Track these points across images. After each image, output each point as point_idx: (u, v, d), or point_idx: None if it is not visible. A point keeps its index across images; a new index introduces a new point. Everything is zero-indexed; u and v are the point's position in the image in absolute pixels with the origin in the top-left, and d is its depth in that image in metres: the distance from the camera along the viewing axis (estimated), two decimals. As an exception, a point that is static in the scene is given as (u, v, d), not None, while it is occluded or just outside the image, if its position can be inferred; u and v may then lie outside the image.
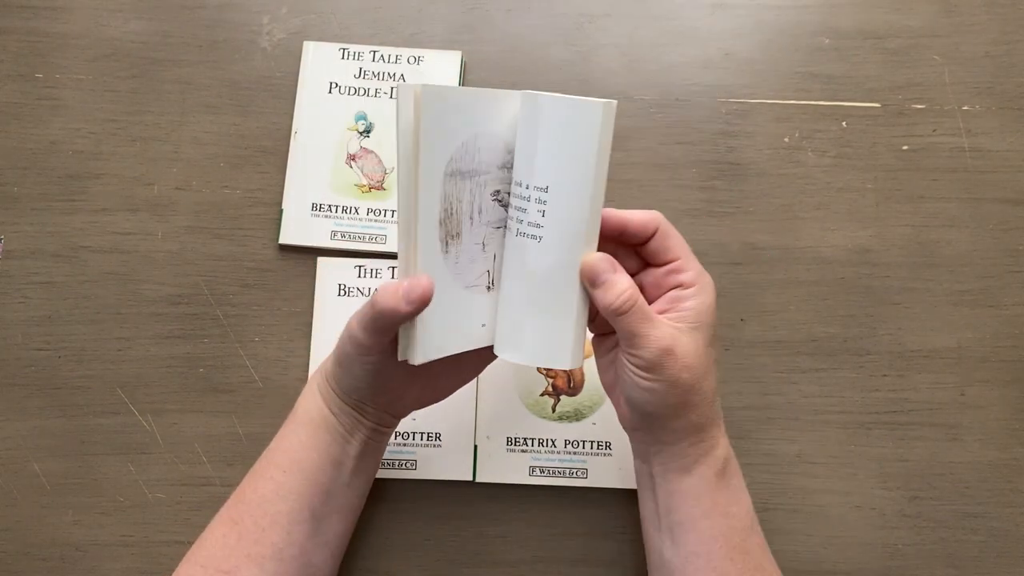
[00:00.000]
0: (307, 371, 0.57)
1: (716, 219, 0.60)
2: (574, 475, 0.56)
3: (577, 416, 0.57)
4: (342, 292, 0.58)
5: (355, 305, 0.57)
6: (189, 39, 0.62)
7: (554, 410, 0.57)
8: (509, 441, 0.56)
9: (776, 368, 0.58)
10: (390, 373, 0.46)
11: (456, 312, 0.44)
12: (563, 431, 0.56)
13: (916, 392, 0.57)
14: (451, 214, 0.42)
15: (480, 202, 0.43)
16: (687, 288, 0.44)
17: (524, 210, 0.42)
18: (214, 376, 0.58)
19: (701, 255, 0.59)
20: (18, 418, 0.57)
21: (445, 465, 0.56)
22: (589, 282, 0.43)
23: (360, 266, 0.58)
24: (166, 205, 0.60)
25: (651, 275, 0.46)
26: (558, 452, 0.56)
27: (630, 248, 0.46)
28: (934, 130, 0.61)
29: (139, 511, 0.56)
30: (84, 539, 0.55)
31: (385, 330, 0.43)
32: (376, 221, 0.59)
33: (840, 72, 0.61)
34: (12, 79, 0.61)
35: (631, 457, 0.54)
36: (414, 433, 0.56)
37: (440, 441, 0.56)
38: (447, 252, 0.43)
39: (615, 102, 0.42)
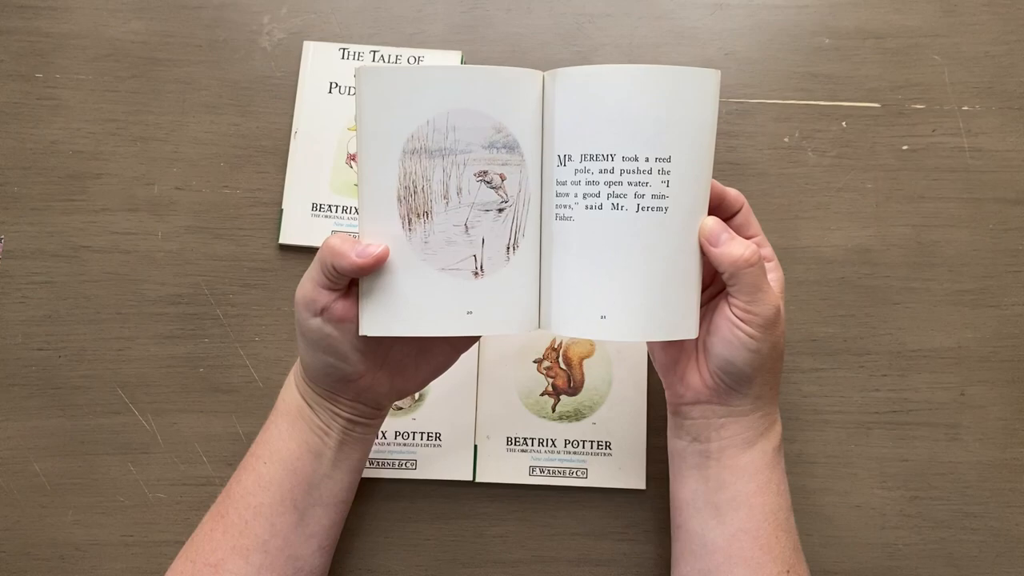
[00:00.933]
0: (307, 371, 0.57)
1: (716, 219, 0.60)
2: (574, 475, 0.56)
3: (577, 416, 0.57)
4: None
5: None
6: (189, 39, 0.62)
7: (554, 410, 0.57)
8: (509, 441, 0.56)
9: (776, 368, 0.58)
10: (345, 353, 0.45)
11: (423, 294, 0.43)
12: (563, 431, 0.56)
13: (916, 392, 0.57)
14: (414, 192, 0.42)
15: (460, 182, 0.43)
16: (768, 262, 0.47)
17: (645, 183, 0.42)
18: (214, 376, 0.58)
19: (701, 255, 0.59)
20: (18, 418, 0.57)
21: (445, 465, 0.56)
22: (710, 243, 0.44)
23: None
24: (166, 205, 0.60)
25: None
26: (558, 452, 0.56)
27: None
28: (934, 130, 0.61)
29: (139, 511, 0.56)
30: (84, 539, 0.56)
31: (332, 279, 0.43)
32: None
33: (840, 72, 0.61)
34: (12, 79, 0.61)
35: (631, 457, 0.54)
36: (414, 433, 0.56)
37: (440, 441, 0.56)
38: (411, 230, 0.43)
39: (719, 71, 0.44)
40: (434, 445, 0.56)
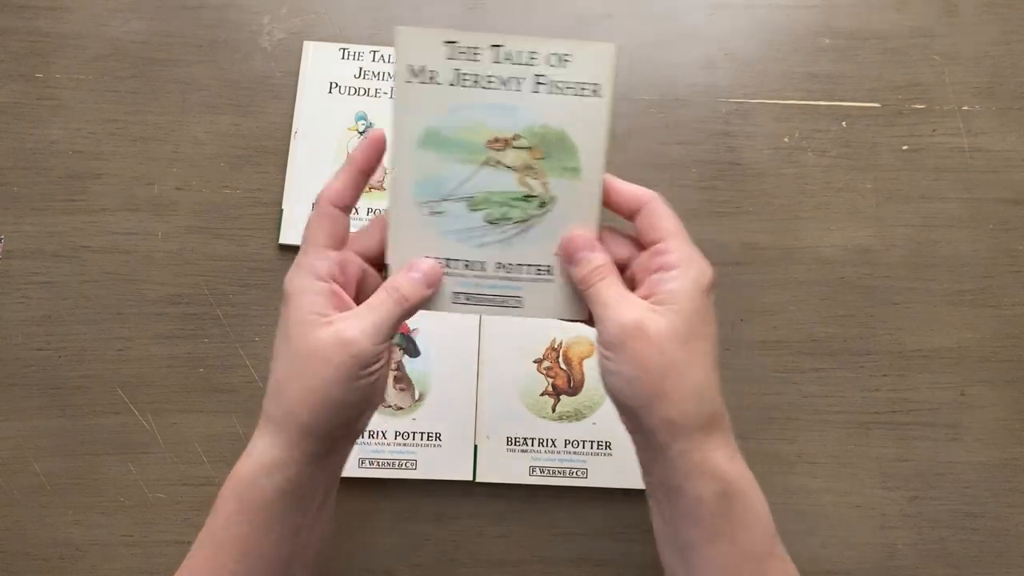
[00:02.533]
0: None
1: (716, 219, 0.60)
2: (574, 475, 0.56)
3: (577, 416, 0.57)
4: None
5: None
6: (189, 39, 0.62)
7: (554, 410, 0.57)
8: (509, 441, 0.56)
9: (776, 368, 0.58)
10: (382, 389, 0.43)
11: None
12: (563, 431, 0.56)
13: (916, 392, 0.57)
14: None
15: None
16: (668, 271, 0.41)
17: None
18: (214, 376, 0.58)
19: (701, 255, 0.59)
20: (18, 418, 0.57)
21: (445, 465, 0.56)
22: (567, 258, 0.42)
23: None
24: (166, 205, 0.60)
25: (639, 258, 0.43)
26: (558, 452, 0.56)
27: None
28: (934, 130, 0.61)
29: (139, 511, 0.56)
30: (84, 539, 0.56)
31: (399, 326, 0.42)
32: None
33: (840, 72, 0.62)
34: (12, 79, 0.61)
35: (631, 457, 0.54)
36: (414, 433, 0.56)
37: (440, 441, 0.56)
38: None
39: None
40: (434, 445, 0.56)
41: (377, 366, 0.40)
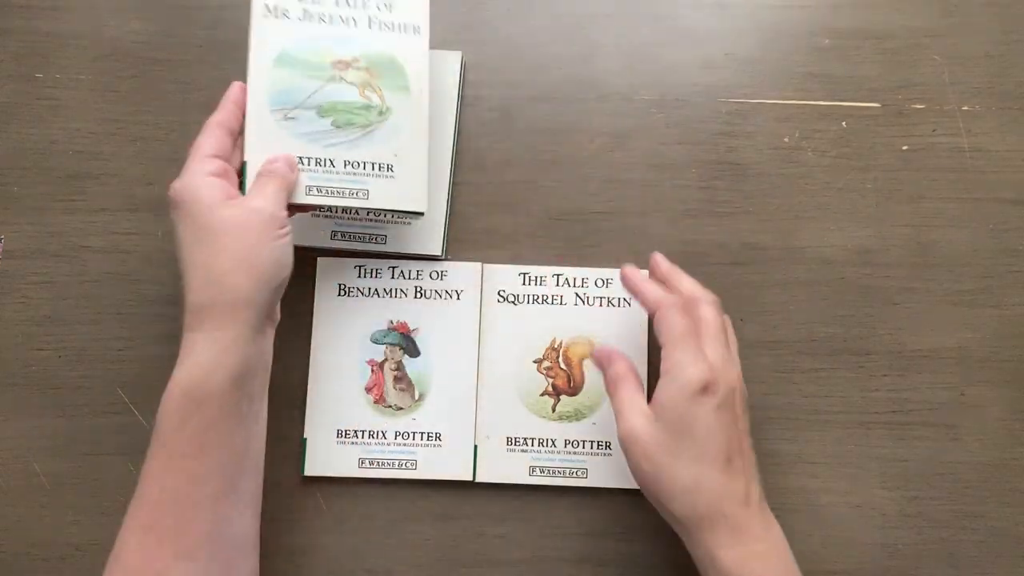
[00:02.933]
0: (307, 371, 0.57)
1: (716, 219, 0.60)
2: (574, 475, 0.56)
3: (577, 416, 0.57)
4: (342, 292, 0.58)
5: (356, 305, 0.57)
6: (189, 39, 0.62)
7: (554, 410, 0.57)
8: (509, 441, 0.56)
9: (776, 368, 0.58)
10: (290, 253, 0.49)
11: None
12: (563, 431, 0.57)
13: (916, 392, 0.57)
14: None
15: None
16: (662, 379, 0.46)
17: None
18: (214, 376, 0.57)
19: (701, 255, 0.59)
20: (18, 418, 0.57)
21: (445, 465, 0.56)
22: (596, 365, 0.50)
23: (360, 266, 0.58)
24: (166, 205, 0.60)
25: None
26: (558, 452, 0.56)
27: None
28: (934, 130, 0.61)
29: (139, 511, 0.56)
30: (84, 539, 0.56)
31: (287, 198, 0.50)
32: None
33: (840, 72, 0.61)
34: (12, 79, 0.61)
35: None
36: (414, 433, 0.56)
37: (440, 441, 0.56)
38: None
39: None
40: (434, 445, 0.56)
41: (286, 229, 0.48)
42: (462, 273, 0.58)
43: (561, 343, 0.58)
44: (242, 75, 0.52)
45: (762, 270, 0.59)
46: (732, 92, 0.61)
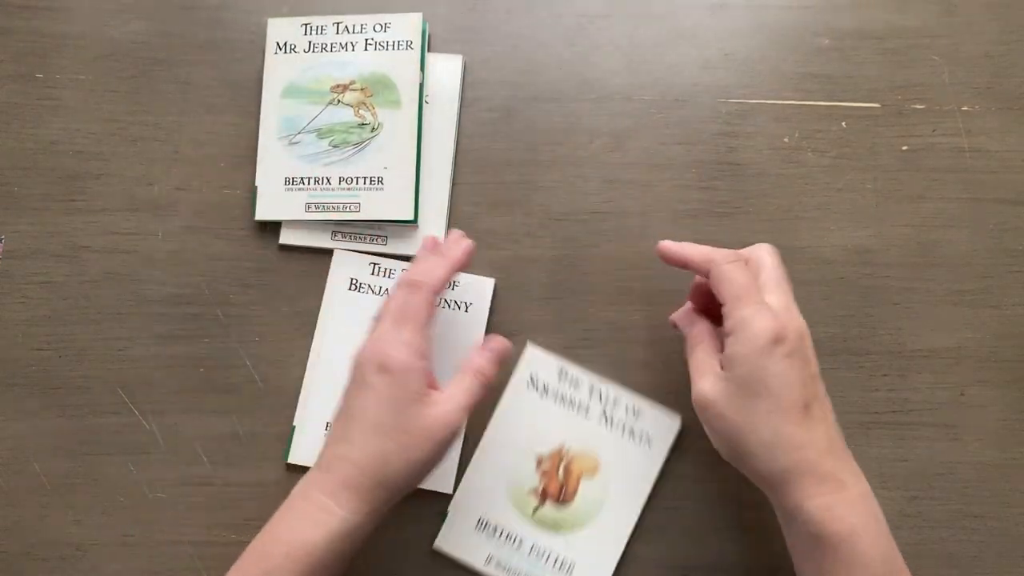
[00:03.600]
0: (306, 365, 0.57)
1: (716, 219, 0.60)
2: None
3: (555, 527, 0.54)
4: (353, 287, 0.58)
5: (364, 301, 0.57)
6: (189, 39, 0.62)
7: (534, 513, 0.55)
8: (479, 523, 0.54)
9: (776, 368, 0.58)
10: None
11: None
12: (535, 536, 0.54)
13: (916, 392, 0.57)
14: None
15: None
16: (728, 337, 0.45)
17: None
18: (214, 376, 0.58)
19: (701, 255, 0.59)
20: (18, 418, 0.57)
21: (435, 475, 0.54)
22: (681, 325, 0.50)
23: (375, 264, 0.58)
24: (166, 205, 0.60)
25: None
26: (524, 555, 0.54)
27: None
28: (934, 130, 0.61)
29: (139, 511, 0.56)
30: (84, 539, 0.56)
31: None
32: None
33: (840, 72, 0.61)
34: (12, 79, 0.61)
35: None
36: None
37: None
38: None
39: None
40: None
41: (462, 434, 0.51)
42: (474, 287, 0.57)
43: (569, 450, 0.55)
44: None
45: (762, 270, 0.59)
46: (732, 92, 0.61)
